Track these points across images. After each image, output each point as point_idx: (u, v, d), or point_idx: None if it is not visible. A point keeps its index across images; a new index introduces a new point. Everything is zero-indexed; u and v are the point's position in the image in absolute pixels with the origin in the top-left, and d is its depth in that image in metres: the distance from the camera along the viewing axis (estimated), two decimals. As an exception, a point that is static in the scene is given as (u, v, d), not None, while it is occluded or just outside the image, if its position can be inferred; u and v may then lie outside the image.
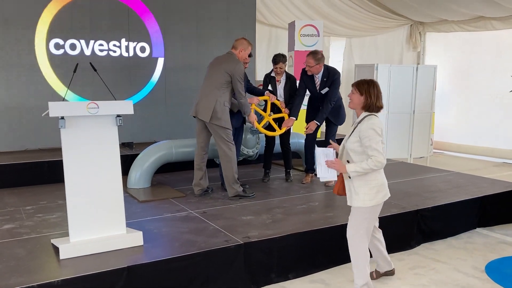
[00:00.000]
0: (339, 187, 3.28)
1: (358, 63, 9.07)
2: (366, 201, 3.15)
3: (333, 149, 3.22)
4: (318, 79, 5.21)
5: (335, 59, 10.09)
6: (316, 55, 5.10)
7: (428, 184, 5.70)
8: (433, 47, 10.55)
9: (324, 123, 5.42)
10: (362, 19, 9.27)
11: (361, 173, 3.07)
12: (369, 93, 3.09)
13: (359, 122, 3.10)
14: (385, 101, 8.14)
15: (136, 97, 7.19)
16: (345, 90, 9.69)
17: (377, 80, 7.92)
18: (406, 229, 4.42)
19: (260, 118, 5.37)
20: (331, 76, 5.17)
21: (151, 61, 7.28)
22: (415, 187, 5.51)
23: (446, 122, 10.01)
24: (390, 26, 9.82)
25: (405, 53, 10.42)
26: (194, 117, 4.81)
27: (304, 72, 5.29)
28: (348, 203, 3.23)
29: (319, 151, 3.21)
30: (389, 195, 3.25)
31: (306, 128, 5.21)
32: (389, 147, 8.28)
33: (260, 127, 5.17)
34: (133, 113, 3.45)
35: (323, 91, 5.21)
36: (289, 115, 5.31)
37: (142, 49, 7.18)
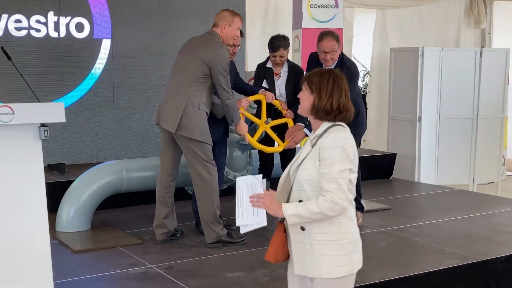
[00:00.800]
0: (276, 247, 2.84)
1: (395, 46, 9.15)
2: (334, 268, 2.70)
3: (263, 178, 2.85)
4: None
5: (361, 41, 10.19)
6: (334, 34, 5.19)
7: (500, 222, 5.73)
8: (505, 23, 10.63)
9: None
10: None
11: (306, 220, 2.67)
12: (319, 89, 2.83)
13: (320, 137, 2.79)
14: (435, 101, 8.21)
15: (70, 97, 7.20)
16: (377, 87, 9.78)
17: (424, 70, 8.05)
18: (468, 289, 4.43)
19: (252, 127, 5.39)
20: (345, 70, 5.20)
21: (92, 45, 7.32)
22: (481, 227, 5.53)
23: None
24: (441, -8, 9.95)
25: (463, 31, 10.51)
26: (157, 124, 4.84)
27: (312, 58, 5.37)
28: (298, 272, 2.76)
29: (241, 182, 2.84)
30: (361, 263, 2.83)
31: (290, 139, 5.20)
32: (441, 168, 8.33)
33: (253, 141, 5.18)
34: (65, 120, 3.44)
35: None
36: (295, 121, 5.35)
37: (79, 27, 7.22)
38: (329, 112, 2.84)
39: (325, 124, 2.86)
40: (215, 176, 4.78)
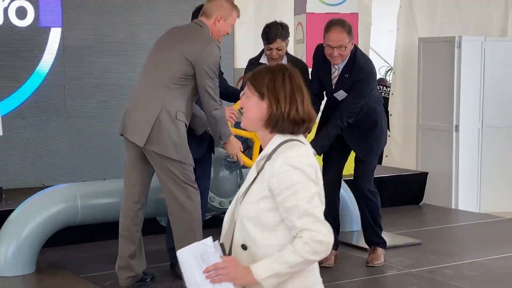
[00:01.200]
0: None
1: (425, 36, 9.17)
2: None
3: (214, 241, 2.64)
4: (336, 70, 5.34)
5: (383, 28, 10.22)
6: (345, 24, 5.20)
7: None
8: None
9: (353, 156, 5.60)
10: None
11: (286, 277, 2.57)
12: (274, 92, 2.63)
13: (268, 159, 2.65)
14: (477, 105, 8.23)
15: (8, 103, 7.18)
16: (402, 88, 9.77)
17: (462, 65, 8.07)
18: None
19: (244, 141, 5.37)
20: (357, 71, 5.28)
21: (37, 35, 7.33)
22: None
23: None
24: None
25: (510, 16, 10.54)
26: (122, 135, 4.84)
27: (319, 51, 5.41)
28: None
29: (184, 256, 2.57)
30: None
31: None
32: (485, 192, 8.31)
33: (247, 159, 5.19)
34: (1, 134, 3.45)
35: (338, 95, 5.34)
36: None
37: (20, 13, 7.23)
38: (292, 123, 2.64)
39: (276, 139, 2.67)
40: (197, 203, 4.77)
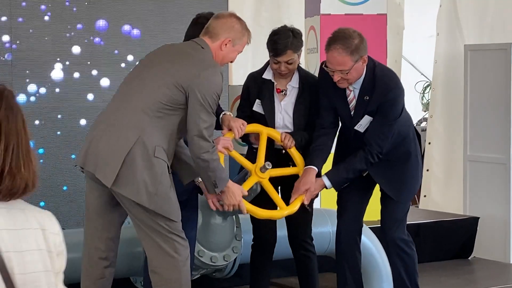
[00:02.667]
0: None
1: (471, 43, 9.20)
2: None
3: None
4: (353, 92, 5.36)
5: (419, 34, 10.26)
6: (348, 41, 5.15)
7: None
8: None
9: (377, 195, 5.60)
10: None
11: None
12: None
13: None
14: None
15: None
16: (442, 109, 9.79)
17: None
18: None
19: (242, 176, 5.39)
20: (382, 90, 5.29)
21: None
22: None
23: None
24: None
25: None
26: (83, 169, 4.82)
27: (323, 73, 5.39)
28: None
29: None
30: None
31: (303, 193, 5.27)
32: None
33: (253, 207, 5.19)
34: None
35: (361, 126, 5.35)
36: (306, 161, 5.41)
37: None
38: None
39: None
40: (186, 258, 4.74)
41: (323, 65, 5.30)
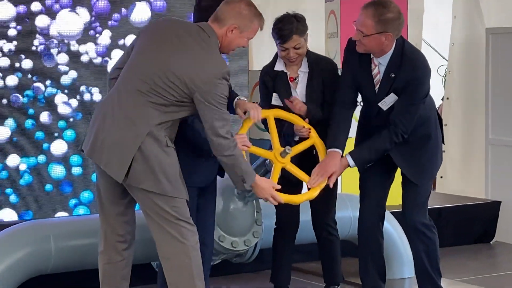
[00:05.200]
0: None
1: (493, 26, 9.16)
2: None
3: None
4: (378, 68, 5.33)
5: (438, 18, 10.24)
6: (383, 10, 5.11)
7: None
8: None
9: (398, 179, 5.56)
10: None
11: None
12: None
13: None
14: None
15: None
16: (458, 94, 9.76)
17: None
18: None
19: (262, 164, 5.40)
20: (409, 70, 5.25)
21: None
22: None
23: None
24: None
25: None
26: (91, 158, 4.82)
27: (350, 46, 5.38)
28: None
29: None
30: None
31: (331, 178, 5.26)
32: None
33: (288, 196, 5.16)
34: None
35: (385, 104, 5.32)
36: (328, 146, 5.38)
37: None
38: None
39: None
40: (195, 244, 4.73)
41: (352, 39, 5.29)
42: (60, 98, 7.48)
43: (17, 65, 7.37)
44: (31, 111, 7.41)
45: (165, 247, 4.71)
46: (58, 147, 7.50)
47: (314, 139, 5.37)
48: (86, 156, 4.78)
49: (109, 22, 7.60)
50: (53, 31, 7.50)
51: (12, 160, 7.35)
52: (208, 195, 5.12)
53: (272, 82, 5.61)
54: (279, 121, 5.36)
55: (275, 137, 5.28)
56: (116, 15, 7.62)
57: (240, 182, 4.75)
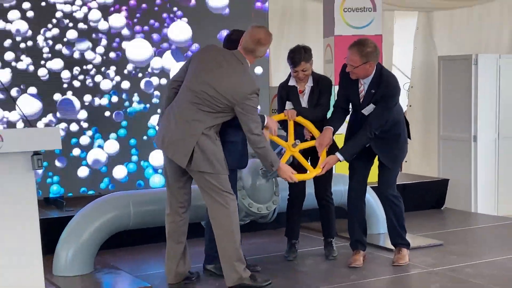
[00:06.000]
0: None
1: (444, 54, 9.09)
2: None
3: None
4: (363, 86, 5.30)
5: (403, 48, 10.15)
6: (364, 47, 5.13)
7: None
8: None
9: (376, 164, 5.53)
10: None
11: None
12: None
13: None
14: (493, 117, 8.14)
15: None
16: (422, 103, 9.70)
17: (479, 81, 7.98)
18: None
19: (278, 151, 5.37)
20: (383, 87, 5.24)
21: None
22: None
23: None
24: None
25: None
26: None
27: (344, 70, 5.38)
28: None
29: None
30: None
31: (322, 167, 5.29)
32: (502, 196, 8.19)
33: (302, 175, 5.22)
34: (61, 147, 3.48)
35: (366, 110, 5.29)
36: (325, 125, 5.41)
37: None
38: None
39: None
40: (234, 208, 4.76)
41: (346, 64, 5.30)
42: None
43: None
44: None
45: (213, 210, 4.76)
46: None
47: (316, 139, 5.42)
48: (158, 148, 4.84)
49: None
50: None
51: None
52: (232, 174, 5.04)
53: (286, 93, 5.60)
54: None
55: (291, 133, 5.36)
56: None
57: (270, 166, 4.82)
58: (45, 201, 6.79)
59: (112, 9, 7.15)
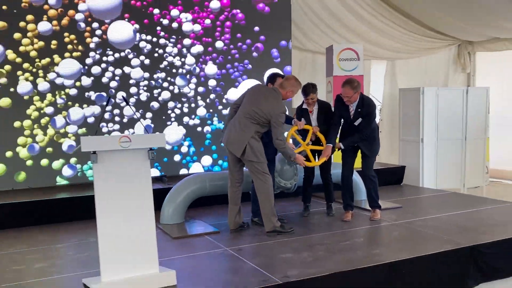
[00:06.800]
0: None
1: (402, 87, 8.97)
2: None
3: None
4: (352, 108, 5.23)
5: (377, 84, 10.03)
6: (352, 84, 5.10)
7: (485, 217, 5.49)
8: (485, 68, 10.32)
9: (360, 155, 5.45)
10: (405, 40, 9.21)
11: None
12: None
13: None
14: (434, 126, 8.00)
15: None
16: (389, 118, 9.58)
17: (425, 104, 7.85)
18: (461, 268, 4.24)
19: (297, 146, 5.35)
20: (366, 107, 5.17)
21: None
22: (470, 220, 5.32)
23: (503, 149, 9.67)
24: (436, 46, 9.71)
25: (452, 74, 10.25)
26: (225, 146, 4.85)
27: (338, 99, 5.31)
28: None
29: None
30: None
31: (326, 155, 5.20)
32: (439, 176, 8.07)
33: (309, 163, 5.16)
34: (165, 145, 3.52)
35: (356, 123, 5.22)
36: (326, 143, 5.32)
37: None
38: None
39: None
40: (270, 184, 4.76)
41: (340, 95, 5.22)
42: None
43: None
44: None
45: (257, 184, 4.78)
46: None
47: (323, 143, 5.35)
48: (224, 146, 4.81)
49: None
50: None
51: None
52: (271, 162, 5.06)
53: (301, 112, 5.52)
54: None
55: (309, 137, 5.29)
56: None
57: (288, 158, 4.77)
58: (154, 178, 6.86)
59: (202, 58, 7.20)
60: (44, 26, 6.38)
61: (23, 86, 6.34)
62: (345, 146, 5.25)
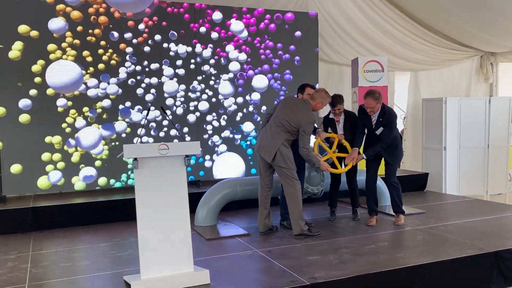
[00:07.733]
0: None
1: (425, 97, 8.83)
2: None
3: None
4: (374, 118, 5.19)
5: (401, 94, 9.91)
6: (374, 95, 5.07)
7: (508, 222, 5.35)
8: (507, 78, 10.07)
9: (383, 162, 5.38)
10: (428, 52, 9.08)
11: None
12: None
13: None
14: (456, 135, 7.84)
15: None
16: (413, 126, 9.44)
17: (447, 113, 7.70)
18: (484, 273, 4.14)
19: (324, 154, 5.35)
20: (387, 116, 5.13)
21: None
22: (493, 226, 5.19)
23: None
24: (458, 58, 9.53)
25: (474, 85, 10.03)
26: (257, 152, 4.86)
27: (361, 109, 5.28)
28: None
29: None
30: None
31: (351, 160, 5.16)
32: (462, 183, 7.89)
33: (332, 170, 5.13)
34: (200, 153, 3.57)
35: (378, 132, 5.18)
36: (352, 147, 5.29)
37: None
38: None
39: None
40: (299, 188, 4.75)
41: (362, 106, 5.20)
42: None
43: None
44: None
45: (286, 189, 4.77)
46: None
47: (348, 150, 5.33)
48: (256, 152, 4.83)
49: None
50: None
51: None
52: (300, 169, 5.04)
53: (328, 122, 5.49)
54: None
55: (335, 145, 5.28)
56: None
57: (313, 165, 4.75)
58: (190, 182, 6.93)
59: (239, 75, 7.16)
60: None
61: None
62: (368, 157, 5.21)
